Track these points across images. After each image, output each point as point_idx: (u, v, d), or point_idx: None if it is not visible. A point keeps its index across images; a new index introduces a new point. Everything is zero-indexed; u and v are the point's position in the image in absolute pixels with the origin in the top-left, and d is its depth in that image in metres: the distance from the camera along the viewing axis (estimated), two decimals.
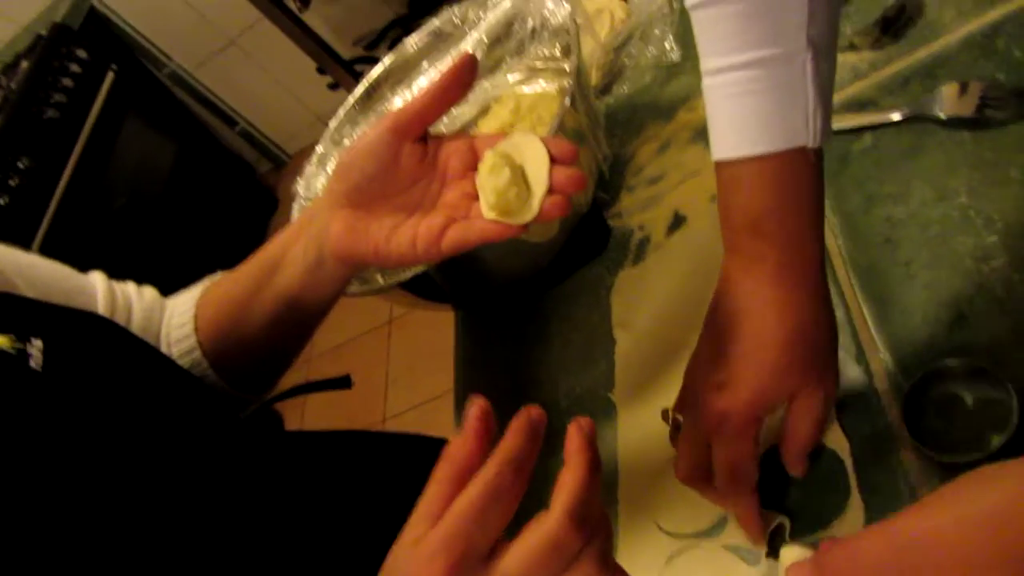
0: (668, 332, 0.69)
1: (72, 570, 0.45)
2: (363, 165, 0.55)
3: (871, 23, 0.71)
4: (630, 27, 0.87)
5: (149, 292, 0.73)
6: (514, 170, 0.52)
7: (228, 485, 0.58)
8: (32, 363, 0.48)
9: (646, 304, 0.72)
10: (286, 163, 3.58)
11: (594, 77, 0.88)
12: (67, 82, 2.49)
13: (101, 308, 0.67)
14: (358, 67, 2.43)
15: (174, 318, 0.69)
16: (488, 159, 0.53)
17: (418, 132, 0.55)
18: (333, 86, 2.59)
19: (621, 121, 0.86)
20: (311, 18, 2.51)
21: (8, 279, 0.60)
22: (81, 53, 2.58)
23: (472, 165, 0.54)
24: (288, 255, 0.62)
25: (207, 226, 3.00)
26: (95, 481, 0.48)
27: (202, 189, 3.04)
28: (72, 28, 2.63)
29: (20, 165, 2.26)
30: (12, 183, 2.24)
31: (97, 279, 0.70)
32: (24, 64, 2.48)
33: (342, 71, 2.37)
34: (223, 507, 0.56)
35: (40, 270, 0.65)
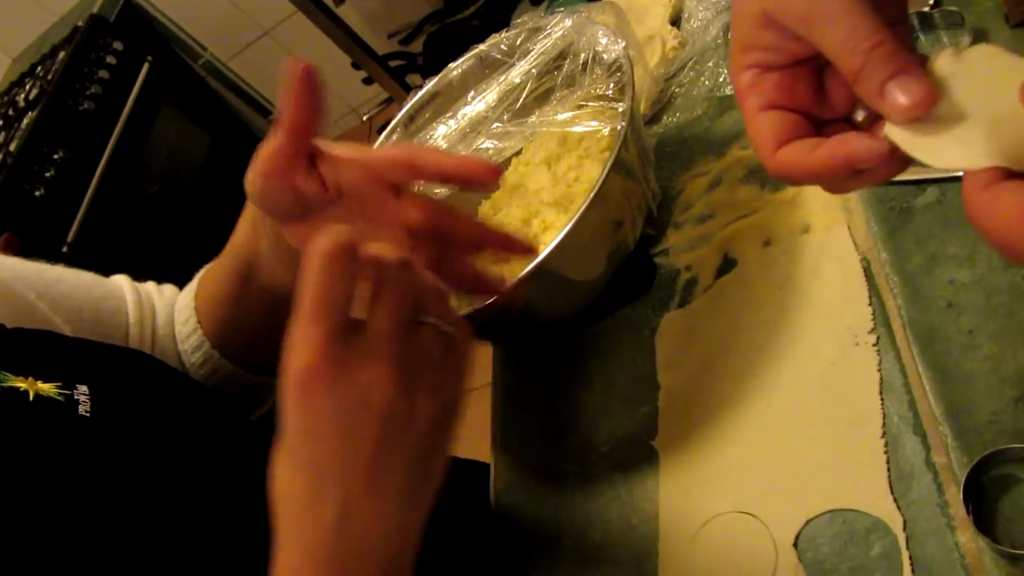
0: (716, 382, 0.67)
1: None
2: (265, 204, 0.55)
3: None
4: (683, 57, 0.85)
5: (169, 290, 0.75)
6: None
7: (244, 517, 0.58)
8: (81, 409, 0.49)
9: (693, 350, 0.70)
10: None
11: (643, 106, 0.86)
12: (103, 74, 2.49)
13: (131, 313, 0.69)
14: (392, 63, 2.42)
15: (179, 313, 0.71)
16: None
17: (301, 166, 0.51)
18: (367, 80, 2.58)
19: (669, 153, 0.83)
20: (346, 10, 2.50)
21: (44, 315, 0.61)
22: (117, 44, 2.59)
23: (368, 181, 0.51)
24: (260, 250, 0.61)
25: (239, 214, 3.00)
26: (141, 522, 0.49)
27: (235, 178, 3.02)
28: (108, 19, 2.64)
29: (56, 157, 2.28)
30: (48, 175, 2.25)
31: (123, 283, 0.71)
32: (61, 55, 2.50)
33: (376, 66, 2.36)
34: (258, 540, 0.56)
35: (66, 285, 0.66)
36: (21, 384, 0.48)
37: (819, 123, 0.38)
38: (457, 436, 0.43)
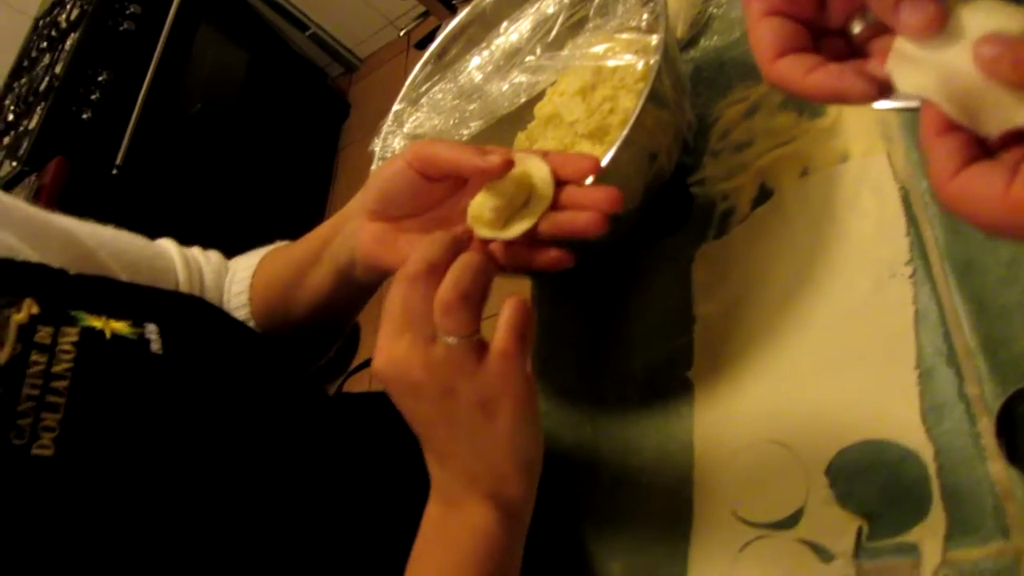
0: (752, 314, 0.68)
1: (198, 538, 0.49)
2: (388, 190, 0.57)
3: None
4: None
5: (214, 255, 0.76)
6: (516, 183, 0.53)
7: (306, 449, 0.61)
8: (153, 347, 0.52)
9: (729, 282, 0.71)
10: (357, 67, 3.55)
11: (679, 30, 0.84)
12: None
13: (180, 272, 0.71)
14: None
15: (234, 285, 0.73)
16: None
17: (434, 178, 0.56)
18: None
19: (706, 79, 0.82)
20: None
21: (103, 263, 0.63)
22: None
23: None
24: (327, 251, 0.64)
25: (280, 131, 3.03)
26: (209, 460, 0.52)
27: (275, 95, 3.06)
28: None
29: (100, 79, 2.30)
30: (93, 97, 2.28)
31: (169, 246, 0.73)
32: None
33: None
34: (302, 469, 0.60)
35: (122, 242, 0.68)
36: (97, 323, 0.50)
37: (819, 33, 0.39)
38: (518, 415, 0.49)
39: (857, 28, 0.39)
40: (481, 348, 0.48)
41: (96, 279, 0.58)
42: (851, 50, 0.39)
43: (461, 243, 0.50)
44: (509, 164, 0.52)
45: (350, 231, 0.62)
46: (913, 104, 0.66)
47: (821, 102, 0.39)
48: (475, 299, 0.47)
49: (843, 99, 0.37)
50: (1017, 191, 0.31)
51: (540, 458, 0.52)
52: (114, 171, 2.27)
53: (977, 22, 0.32)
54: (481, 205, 0.53)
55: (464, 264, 0.48)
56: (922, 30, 0.34)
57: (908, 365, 0.58)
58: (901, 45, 0.35)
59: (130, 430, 0.48)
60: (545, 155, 0.54)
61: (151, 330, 0.52)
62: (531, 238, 0.53)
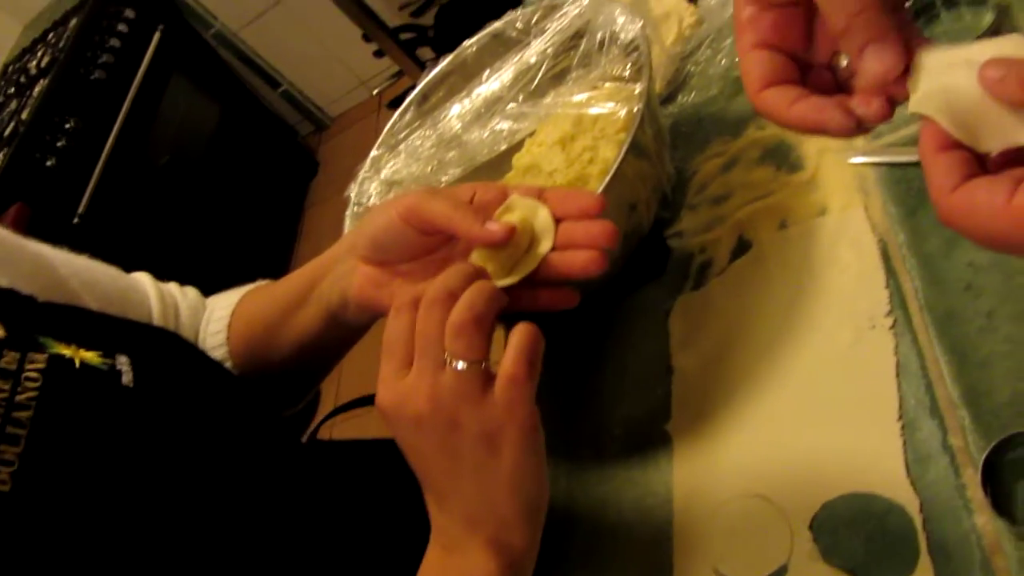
0: (730, 366, 0.67)
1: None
2: (379, 239, 0.56)
3: None
4: (699, 35, 0.84)
5: (191, 291, 0.75)
6: (521, 229, 0.53)
7: (276, 492, 0.59)
8: (124, 379, 0.50)
9: (706, 334, 0.70)
10: (328, 126, 3.57)
11: (658, 85, 0.85)
12: (114, 42, 2.49)
13: (154, 307, 0.69)
14: (403, 35, 2.40)
15: (211, 323, 0.71)
16: (506, 209, 0.54)
17: (427, 233, 0.55)
18: (378, 53, 2.57)
19: (684, 133, 0.83)
20: None
21: (75, 292, 0.61)
22: (129, 12, 2.58)
23: None
24: (316, 291, 0.63)
25: (248, 187, 3.01)
26: (176, 500, 0.50)
27: (244, 150, 3.05)
28: None
29: (67, 126, 2.28)
30: (60, 144, 2.25)
31: (145, 279, 0.71)
32: (72, 22, 2.49)
33: (387, 39, 2.34)
34: (276, 514, 0.58)
35: (95, 272, 0.67)
36: (66, 351, 0.48)
37: (806, 66, 0.41)
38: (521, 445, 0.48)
39: (843, 63, 0.41)
40: (488, 377, 0.47)
41: (67, 307, 0.56)
42: (837, 84, 0.41)
43: (478, 275, 0.50)
44: (510, 234, 0.51)
45: (341, 272, 0.60)
46: (889, 159, 0.67)
47: (802, 132, 0.40)
48: (487, 324, 0.47)
49: (823, 131, 0.39)
50: (1020, 201, 0.31)
51: (545, 505, 0.51)
52: (76, 220, 2.23)
53: (981, 50, 0.33)
54: (486, 258, 0.53)
55: (479, 288, 0.47)
56: (883, 75, 0.36)
57: (891, 416, 0.58)
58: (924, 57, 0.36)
59: (95, 466, 0.46)
60: (542, 192, 0.53)
61: (123, 362, 0.51)
62: (531, 281, 0.53)
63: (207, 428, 0.55)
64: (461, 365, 0.46)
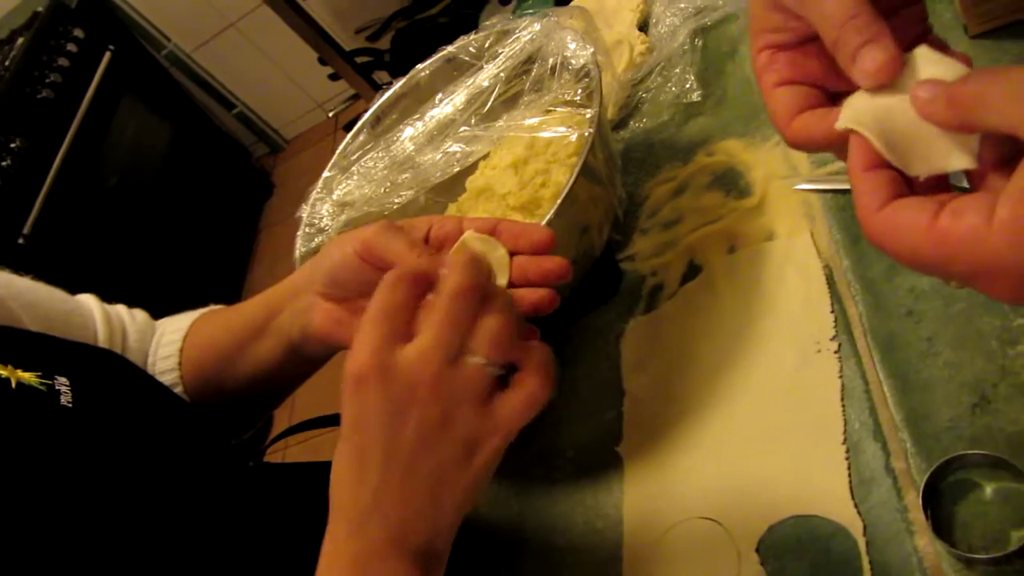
0: (681, 388, 0.68)
1: None
2: (336, 275, 0.56)
3: None
4: (650, 63, 0.85)
5: (140, 314, 0.73)
6: None
7: (221, 516, 0.58)
8: (63, 400, 0.49)
9: (658, 356, 0.71)
10: (283, 148, 3.55)
11: (610, 111, 0.86)
12: (63, 61, 2.45)
13: (100, 330, 0.68)
14: (359, 59, 2.40)
15: (161, 347, 0.69)
16: (461, 245, 0.53)
17: (382, 269, 0.52)
18: (333, 76, 2.56)
19: (636, 159, 0.84)
20: (313, 4, 2.47)
21: (12, 313, 0.60)
22: (78, 32, 2.54)
23: None
24: (273, 323, 0.62)
25: (201, 209, 2.97)
26: (113, 512, 0.48)
27: (197, 171, 3.02)
28: (69, 6, 2.59)
29: (13, 146, 2.23)
30: (5, 164, 2.21)
31: (90, 301, 0.70)
32: (19, 41, 2.44)
33: (343, 63, 2.33)
34: (220, 536, 0.56)
35: (37, 294, 0.65)
36: (2, 372, 0.47)
37: (834, 95, 0.40)
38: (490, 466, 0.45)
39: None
40: (495, 385, 0.45)
41: (4, 328, 0.55)
42: None
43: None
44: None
45: (301, 308, 0.59)
46: (833, 186, 0.69)
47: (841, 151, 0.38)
48: (518, 333, 0.46)
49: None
50: (944, 223, 0.31)
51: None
52: (20, 240, 2.18)
53: (917, 72, 0.33)
54: None
55: (512, 298, 0.47)
56: (876, 74, 0.35)
57: (836, 439, 0.58)
58: (854, 97, 0.36)
59: (29, 487, 0.45)
60: (496, 226, 0.53)
61: (61, 382, 0.50)
62: None
63: (148, 450, 0.53)
64: (485, 365, 0.43)
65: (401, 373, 0.42)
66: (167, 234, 2.75)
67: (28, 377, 0.48)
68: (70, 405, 0.49)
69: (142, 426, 0.55)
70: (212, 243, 2.99)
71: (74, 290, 0.67)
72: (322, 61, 2.40)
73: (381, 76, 2.44)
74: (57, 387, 0.49)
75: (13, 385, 0.47)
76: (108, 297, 0.71)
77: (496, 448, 0.45)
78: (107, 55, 2.62)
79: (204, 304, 0.75)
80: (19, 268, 2.01)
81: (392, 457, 0.43)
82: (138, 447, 0.52)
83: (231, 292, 3.03)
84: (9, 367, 0.48)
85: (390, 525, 0.44)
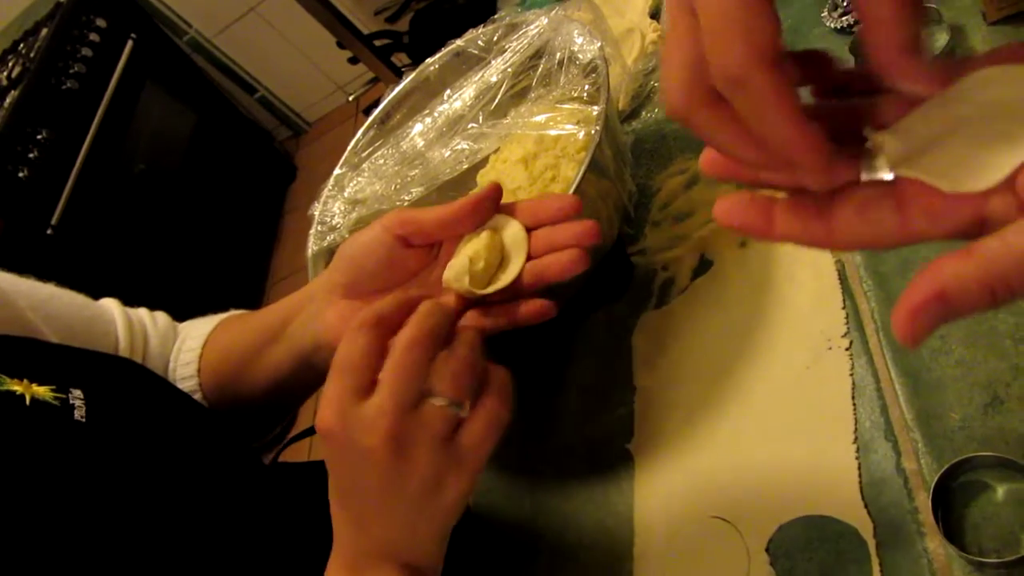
0: (691, 385, 0.67)
1: None
2: (363, 262, 0.55)
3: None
4: (661, 52, 0.84)
5: (162, 318, 0.73)
6: (489, 244, 0.52)
7: (236, 525, 0.58)
8: (76, 415, 0.49)
9: (669, 352, 0.70)
10: (305, 131, 3.56)
11: (621, 101, 0.85)
12: (86, 51, 2.47)
13: (121, 337, 0.68)
14: (378, 42, 2.39)
15: (182, 354, 0.70)
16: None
17: (419, 244, 0.55)
18: (353, 60, 2.56)
19: (648, 150, 0.83)
20: None
21: (32, 324, 0.61)
22: (100, 21, 2.56)
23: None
24: (287, 330, 0.62)
25: (225, 193, 3.00)
26: (132, 537, 0.49)
27: (221, 156, 3.04)
28: None
29: (39, 137, 2.26)
30: (32, 155, 2.24)
31: (112, 307, 0.70)
32: (43, 32, 2.47)
33: (361, 46, 2.33)
34: (235, 545, 0.57)
35: (59, 303, 0.65)
36: (17, 387, 0.48)
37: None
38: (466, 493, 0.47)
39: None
40: (458, 421, 0.45)
41: (22, 341, 0.56)
42: None
43: (455, 313, 0.49)
44: (497, 191, 0.53)
45: (312, 313, 0.59)
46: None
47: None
48: (480, 366, 0.46)
49: None
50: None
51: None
52: (49, 231, 2.21)
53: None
54: (459, 269, 0.52)
55: (475, 332, 0.47)
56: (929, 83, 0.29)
57: (847, 439, 0.58)
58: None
59: (43, 504, 0.45)
60: (512, 207, 0.53)
61: (76, 396, 0.50)
62: (513, 294, 0.52)
63: (162, 462, 0.54)
64: (446, 405, 0.44)
65: (358, 430, 0.44)
66: (193, 220, 2.77)
67: (42, 392, 0.49)
68: (83, 420, 0.49)
69: (157, 437, 0.55)
70: (237, 227, 3.02)
71: (103, 279, 0.68)
72: (341, 45, 2.39)
73: (400, 58, 2.43)
74: (71, 401, 0.50)
75: (28, 402, 0.48)
76: (136, 284, 0.73)
77: (467, 480, 0.46)
78: (129, 43, 2.63)
79: (230, 291, 0.76)
80: (48, 259, 2.06)
81: (362, 497, 0.46)
82: (152, 460, 0.53)
83: (256, 276, 3.06)
84: (24, 382, 0.49)
85: (375, 544, 0.47)
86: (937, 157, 0.30)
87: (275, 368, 0.64)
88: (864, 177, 0.31)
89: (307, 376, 0.63)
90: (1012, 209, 0.28)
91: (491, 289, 0.52)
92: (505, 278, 0.53)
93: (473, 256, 0.52)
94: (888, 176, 0.31)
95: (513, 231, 0.54)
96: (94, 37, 2.52)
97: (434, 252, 0.56)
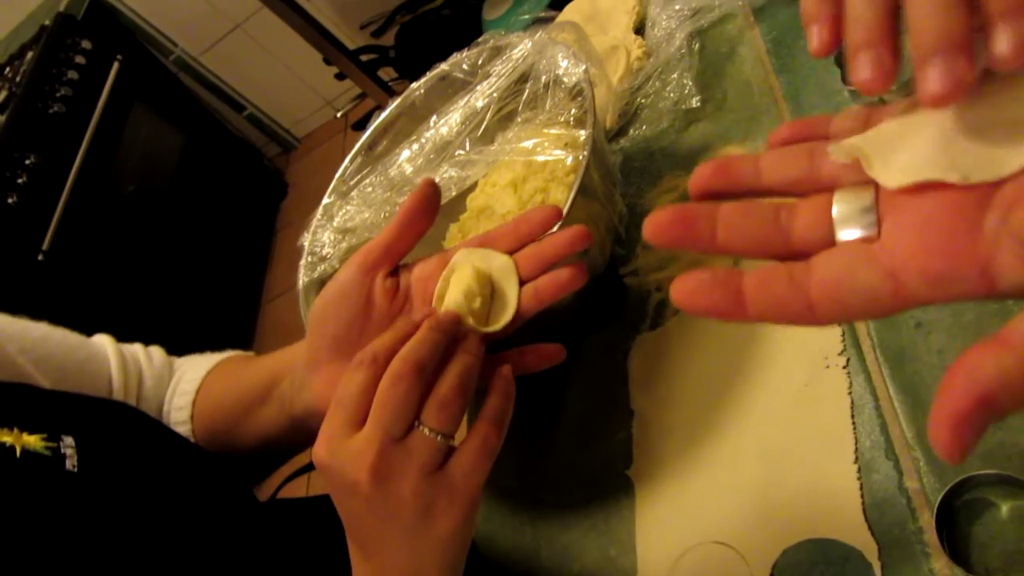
0: (689, 408, 0.67)
1: None
2: (337, 312, 0.55)
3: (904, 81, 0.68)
4: (648, 69, 0.83)
5: (158, 355, 0.73)
6: (478, 278, 0.52)
7: (240, 568, 0.58)
8: (68, 464, 0.49)
9: (666, 374, 0.70)
10: (295, 147, 3.55)
11: (609, 120, 0.85)
12: (72, 74, 2.46)
13: (115, 378, 0.68)
14: (364, 57, 2.39)
15: (176, 396, 0.69)
16: (452, 269, 0.53)
17: (389, 266, 0.55)
18: (340, 76, 2.55)
19: (637, 168, 0.82)
20: (317, 2, 2.46)
21: (23, 370, 0.60)
22: (86, 43, 2.55)
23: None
24: (275, 392, 0.62)
25: (217, 211, 2.99)
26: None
27: (211, 175, 3.03)
28: (76, 17, 2.59)
29: (28, 162, 2.24)
30: (20, 181, 2.22)
31: (106, 344, 0.70)
32: (29, 56, 2.45)
33: (348, 62, 2.32)
34: None
35: (51, 345, 0.65)
36: (7, 438, 0.47)
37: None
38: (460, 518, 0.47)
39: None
40: (448, 451, 0.46)
41: (11, 387, 0.55)
42: None
43: (458, 341, 0.49)
44: (432, 186, 0.54)
45: (300, 382, 0.59)
46: None
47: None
48: (470, 395, 0.47)
49: None
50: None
51: (465, 555, 0.50)
52: (40, 257, 2.20)
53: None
54: (455, 305, 0.51)
55: (467, 364, 0.47)
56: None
57: (847, 458, 0.57)
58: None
59: (34, 559, 0.45)
60: (488, 236, 0.54)
61: (67, 444, 0.50)
62: (514, 325, 0.52)
63: (156, 508, 0.53)
64: (434, 436, 0.45)
65: (347, 462, 0.45)
66: (185, 240, 2.76)
67: (33, 441, 0.48)
68: (75, 469, 0.49)
69: (150, 484, 0.54)
70: (230, 246, 3.01)
71: (96, 303, 0.67)
72: (327, 61, 2.39)
73: (387, 72, 2.43)
74: (63, 450, 0.49)
75: (18, 453, 0.47)
76: (130, 306, 0.72)
77: (459, 507, 0.46)
78: (116, 65, 2.62)
79: (225, 310, 0.75)
80: (40, 285, 2.03)
81: (361, 526, 0.47)
82: (145, 508, 0.52)
83: (251, 294, 3.05)
84: (15, 431, 0.48)
85: (382, 571, 0.47)
86: (934, 154, 0.26)
87: (265, 428, 0.64)
88: (842, 235, 0.28)
89: (299, 436, 0.63)
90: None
91: (498, 327, 0.52)
92: (506, 312, 0.52)
93: (467, 292, 0.51)
94: (871, 231, 0.27)
95: (499, 263, 0.53)
96: (80, 59, 2.51)
97: (402, 290, 0.56)
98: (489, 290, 0.53)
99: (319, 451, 0.46)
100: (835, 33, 0.27)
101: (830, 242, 0.29)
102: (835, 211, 0.29)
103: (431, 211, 0.54)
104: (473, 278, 0.52)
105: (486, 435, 0.46)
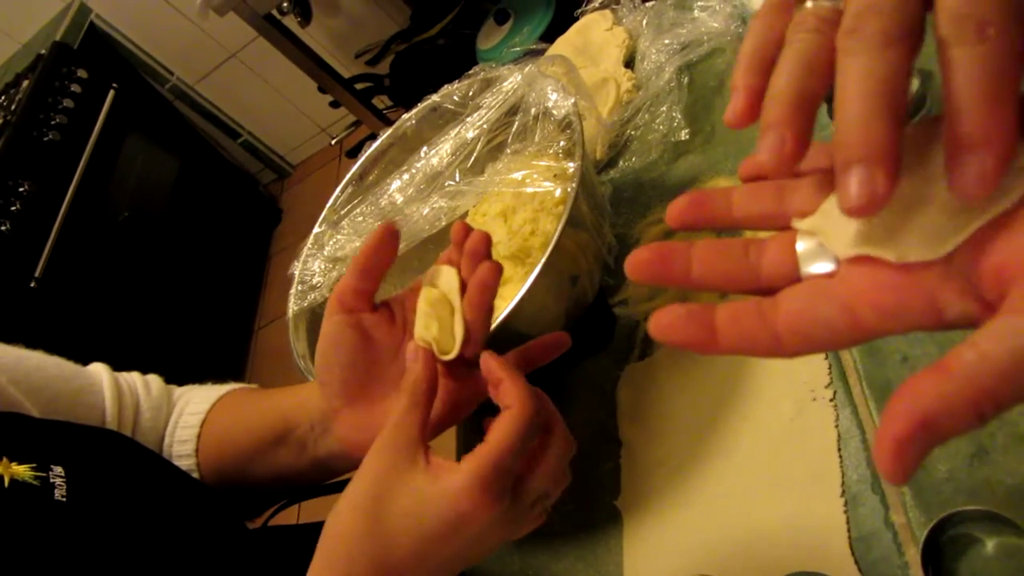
0: (676, 439, 0.67)
1: None
2: (336, 358, 0.56)
3: None
4: (637, 101, 0.84)
5: (156, 385, 0.72)
6: (437, 305, 0.52)
7: None
8: (57, 494, 0.48)
9: (654, 405, 0.70)
10: (290, 174, 3.56)
11: (599, 151, 0.86)
12: (68, 102, 2.47)
13: (108, 409, 0.66)
14: (359, 85, 2.41)
15: (178, 430, 0.68)
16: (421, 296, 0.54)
17: (366, 305, 0.56)
18: (334, 104, 2.57)
19: (626, 199, 0.83)
20: (312, 31, 2.48)
21: (14, 399, 0.59)
22: (82, 72, 2.56)
23: None
24: (292, 436, 0.62)
25: (211, 237, 2.99)
26: None
27: (206, 202, 3.04)
28: (72, 46, 2.61)
29: (22, 190, 2.25)
30: (14, 208, 2.22)
31: (102, 374, 0.69)
32: (24, 84, 2.46)
33: (342, 90, 2.34)
34: None
35: (45, 375, 0.64)
36: None
37: None
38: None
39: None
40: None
41: (1, 416, 0.55)
42: None
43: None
44: (390, 228, 0.55)
45: (320, 428, 0.60)
46: None
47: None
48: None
49: None
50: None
51: None
52: (33, 284, 2.20)
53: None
54: (425, 332, 0.52)
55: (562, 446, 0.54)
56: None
57: (834, 492, 0.57)
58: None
59: None
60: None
61: (56, 473, 0.49)
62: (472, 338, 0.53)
63: (146, 538, 0.53)
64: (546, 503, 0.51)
65: (480, 522, 0.48)
66: (179, 266, 2.76)
67: (21, 471, 0.48)
68: (64, 499, 0.48)
69: (140, 514, 0.54)
70: (224, 272, 3.01)
71: (89, 329, 0.66)
72: (322, 89, 2.40)
73: (382, 101, 2.45)
74: (52, 480, 0.49)
75: (6, 483, 0.47)
76: (123, 333, 0.71)
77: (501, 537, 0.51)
78: (111, 93, 2.63)
79: (219, 336, 0.75)
80: (32, 312, 2.02)
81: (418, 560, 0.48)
82: (134, 538, 0.52)
83: (244, 320, 3.04)
84: (4, 461, 0.48)
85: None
86: (877, 231, 0.27)
87: (281, 468, 0.64)
88: (805, 271, 0.30)
89: (320, 475, 0.64)
90: (969, 302, 0.25)
91: (455, 352, 0.52)
92: (459, 329, 0.52)
93: (426, 323, 0.52)
94: (830, 267, 0.29)
95: (446, 277, 0.54)
96: (76, 88, 2.52)
97: (399, 321, 0.57)
98: (447, 306, 0.53)
99: (473, 512, 0.47)
100: (753, 106, 0.28)
101: (796, 278, 0.30)
102: (799, 248, 0.30)
103: (389, 252, 0.55)
104: (430, 300, 0.52)
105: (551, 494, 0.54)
